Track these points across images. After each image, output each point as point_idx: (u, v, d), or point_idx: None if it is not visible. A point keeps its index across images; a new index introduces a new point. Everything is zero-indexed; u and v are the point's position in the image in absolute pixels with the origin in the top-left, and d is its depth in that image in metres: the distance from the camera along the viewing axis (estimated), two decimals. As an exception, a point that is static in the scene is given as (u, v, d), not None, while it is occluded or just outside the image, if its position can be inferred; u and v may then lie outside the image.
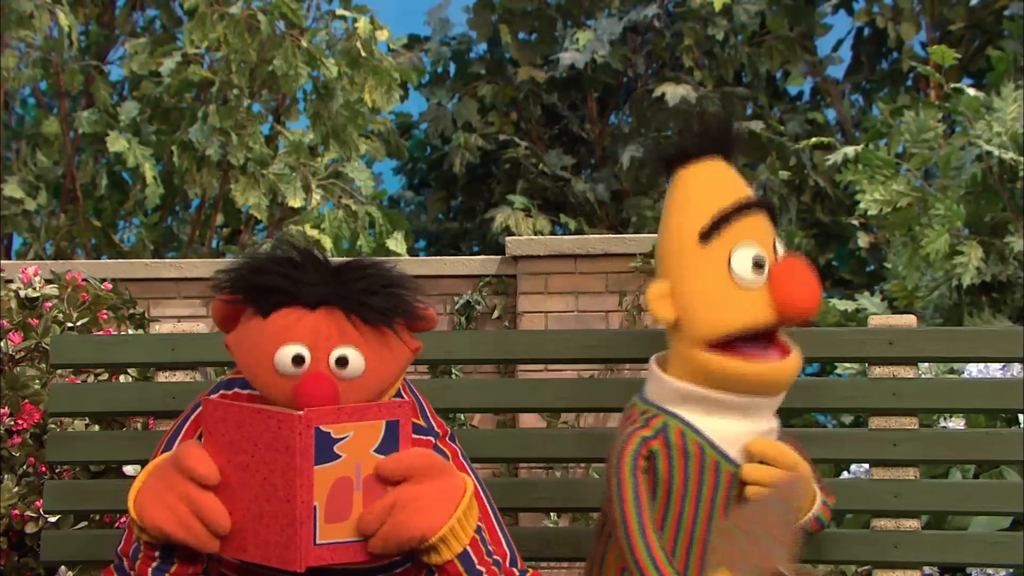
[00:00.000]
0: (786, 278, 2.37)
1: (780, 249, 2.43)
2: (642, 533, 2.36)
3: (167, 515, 2.20)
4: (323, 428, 2.18)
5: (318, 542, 2.19)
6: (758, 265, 2.38)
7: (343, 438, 2.20)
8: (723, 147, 2.47)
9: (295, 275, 2.30)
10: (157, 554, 2.25)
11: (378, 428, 2.22)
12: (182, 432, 2.41)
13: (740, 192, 2.45)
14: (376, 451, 2.22)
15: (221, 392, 2.39)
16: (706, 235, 2.40)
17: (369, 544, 2.21)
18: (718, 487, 2.41)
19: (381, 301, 2.31)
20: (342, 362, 2.28)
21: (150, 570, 2.25)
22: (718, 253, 2.39)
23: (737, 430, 2.41)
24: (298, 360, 2.26)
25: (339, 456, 2.20)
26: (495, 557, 2.31)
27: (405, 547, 2.21)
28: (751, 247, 2.38)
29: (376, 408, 2.23)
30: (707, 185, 2.44)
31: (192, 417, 2.42)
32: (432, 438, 2.42)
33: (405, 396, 2.44)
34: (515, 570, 2.35)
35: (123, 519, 3.41)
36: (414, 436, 2.36)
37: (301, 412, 2.18)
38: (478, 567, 2.27)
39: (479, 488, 2.42)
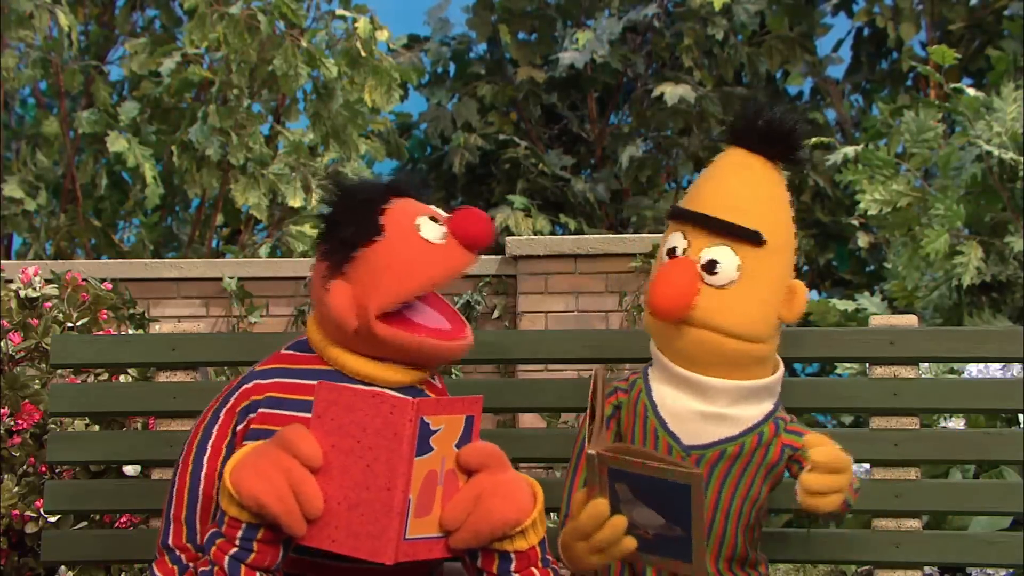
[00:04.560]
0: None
1: None
2: (574, 472, 2.50)
3: (266, 485, 2.18)
4: (425, 419, 2.19)
5: (407, 536, 2.19)
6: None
7: (437, 430, 2.21)
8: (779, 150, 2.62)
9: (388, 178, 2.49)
10: (239, 537, 2.22)
11: (460, 423, 2.24)
12: (219, 418, 2.40)
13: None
14: (456, 446, 2.24)
15: (273, 380, 2.40)
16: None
17: (455, 537, 2.22)
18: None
19: None
20: None
21: (227, 557, 2.22)
22: None
23: (685, 405, 2.43)
24: (436, 219, 2.42)
25: (432, 449, 2.20)
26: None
27: (497, 534, 2.22)
28: None
29: (461, 402, 2.24)
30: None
31: (228, 404, 2.41)
32: None
33: (436, 380, 2.50)
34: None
35: (123, 519, 3.40)
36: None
37: (413, 400, 2.19)
38: (547, 555, 2.30)
39: None
